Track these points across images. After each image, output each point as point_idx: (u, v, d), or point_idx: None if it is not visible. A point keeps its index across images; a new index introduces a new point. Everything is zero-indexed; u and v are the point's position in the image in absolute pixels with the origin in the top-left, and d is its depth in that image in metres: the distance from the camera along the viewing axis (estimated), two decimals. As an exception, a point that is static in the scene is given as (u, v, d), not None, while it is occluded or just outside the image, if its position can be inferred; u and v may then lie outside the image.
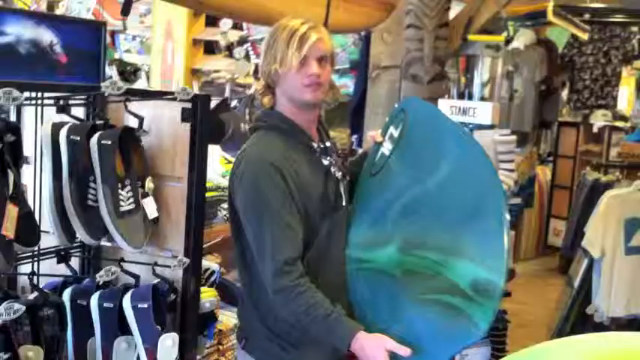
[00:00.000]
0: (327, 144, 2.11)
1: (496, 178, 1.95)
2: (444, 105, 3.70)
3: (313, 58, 1.93)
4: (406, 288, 2.00)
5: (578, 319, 4.47)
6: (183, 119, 2.21)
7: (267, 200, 1.90)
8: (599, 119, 7.48)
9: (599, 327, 4.22)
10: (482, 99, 5.92)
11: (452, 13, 4.84)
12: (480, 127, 3.60)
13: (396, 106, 2.36)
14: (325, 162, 2.05)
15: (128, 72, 4.81)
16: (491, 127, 3.88)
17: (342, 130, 5.78)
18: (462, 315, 1.84)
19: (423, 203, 2.05)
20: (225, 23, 4.72)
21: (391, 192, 2.13)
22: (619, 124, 7.47)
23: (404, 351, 1.84)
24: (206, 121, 2.25)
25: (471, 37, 5.18)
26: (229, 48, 5.10)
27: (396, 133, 2.20)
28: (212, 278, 2.80)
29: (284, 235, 1.90)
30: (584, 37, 6.74)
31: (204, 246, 2.43)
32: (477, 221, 1.91)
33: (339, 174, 2.08)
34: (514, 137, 3.77)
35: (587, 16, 6.90)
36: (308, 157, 2.02)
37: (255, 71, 5.07)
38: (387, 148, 2.21)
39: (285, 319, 1.95)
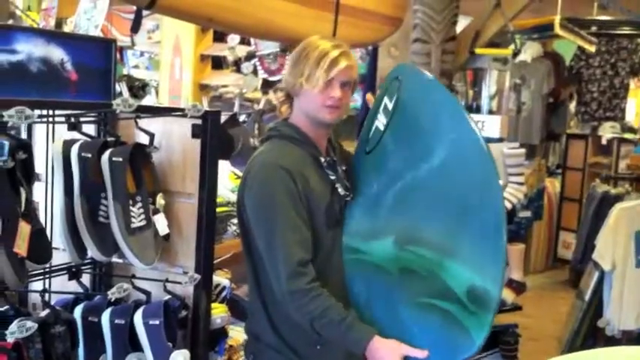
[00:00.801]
0: (335, 159, 2.11)
1: (492, 172, 1.84)
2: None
3: (338, 81, 1.96)
4: (402, 288, 1.97)
5: (589, 332, 4.44)
6: (194, 135, 2.22)
7: (278, 202, 1.91)
8: (607, 131, 7.46)
9: (611, 340, 4.19)
10: (490, 112, 5.92)
11: (459, 27, 4.85)
12: (489, 140, 3.60)
13: (391, 71, 2.21)
14: (332, 177, 2.06)
15: (136, 87, 4.83)
16: (500, 139, 3.88)
17: (350, 143, 5.78)
18: (459, 326, 1.81)
19: (417, 192, 1.99)
20: (233, 39, 4.75)
21: (385, 175, 2.07)
22: (628, 136, 7.45)
23: (420, 353, 1.86)
24: (216, 137, 2.26)
25: (478, 50, 5.19)
26: (237, 63, 5.12)
27: (390, 105, 2.09)
28: (223, 294, 2.79)
29: (296, 237, 1.91)
30: (592, 49, 6.73)
31: (215, 262, 2.43)
32: (473, 220, 1.84)
33: (342, 191, 2.07)
34: (523, 150, 3.77)
35: (594, 29, 6.89)
36: (317, 170, 2.04)
37: (263, 85, 5.09)
38: (381, 122, 2.11)
39: (298, 322, 1.94)
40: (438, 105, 1.99)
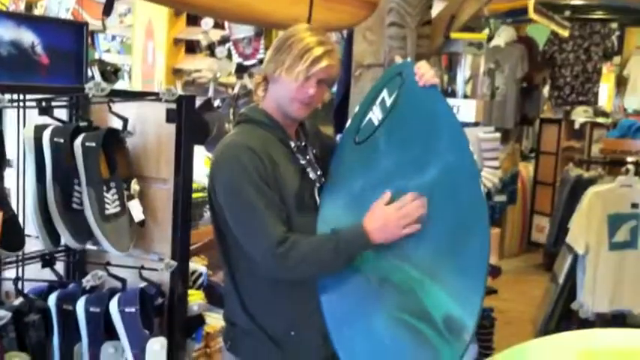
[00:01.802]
0: (305, 143, 2.10)
1: (483, 202, 1.84)
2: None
3: (316, 78, 1.96)
4: (379, 298, 1.94)
5: (563, 315, 4.49)
6: (168, 120, 2.18)
7: (249, 177, 1.90)
8: (580, 116, 7.52)
9: (585, 323, 4.24)
10: (465, 96, 5.93)
11: (434, 11, 4.83)
12: (464, 124, 3.59)
13: (394, 65, 2.14)
14: (302, 162, 2.05)
15: (109, 72, 4.76)
16: (475, 124, 3.89)
17: (327, 127, 5.76)
18: (432, 349, 1.81)
19: None
20: (207, 22, 4.70)
21: (373, 174, 2.02)
22: (600, 120, 7.52)
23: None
24: (191, 121, 2.23)
25: (453, 34, 5.18)
26: (211, 47, 5.06)
27: (388, 101, 2.04)
28: (199, 281, 2.77)
29: (271, 211, 1.90)
30: (565, 34, 6.77)
31: (191, 248, 2.40)
32: (459, 248, 1.84)
33: (313, 175, 2.06)
34: (498, 135, 3.79)
35: (567, 13, 6.92)
36: (286, 154, 2.03)
37: (238, 70, 5.04)
38: (376, 115, 2.06)
39: (271, 306, 1.96)
40: (438, 119, 1.95)
